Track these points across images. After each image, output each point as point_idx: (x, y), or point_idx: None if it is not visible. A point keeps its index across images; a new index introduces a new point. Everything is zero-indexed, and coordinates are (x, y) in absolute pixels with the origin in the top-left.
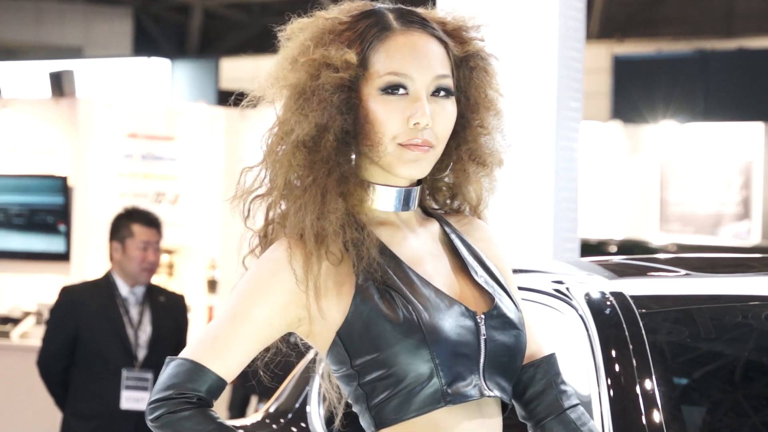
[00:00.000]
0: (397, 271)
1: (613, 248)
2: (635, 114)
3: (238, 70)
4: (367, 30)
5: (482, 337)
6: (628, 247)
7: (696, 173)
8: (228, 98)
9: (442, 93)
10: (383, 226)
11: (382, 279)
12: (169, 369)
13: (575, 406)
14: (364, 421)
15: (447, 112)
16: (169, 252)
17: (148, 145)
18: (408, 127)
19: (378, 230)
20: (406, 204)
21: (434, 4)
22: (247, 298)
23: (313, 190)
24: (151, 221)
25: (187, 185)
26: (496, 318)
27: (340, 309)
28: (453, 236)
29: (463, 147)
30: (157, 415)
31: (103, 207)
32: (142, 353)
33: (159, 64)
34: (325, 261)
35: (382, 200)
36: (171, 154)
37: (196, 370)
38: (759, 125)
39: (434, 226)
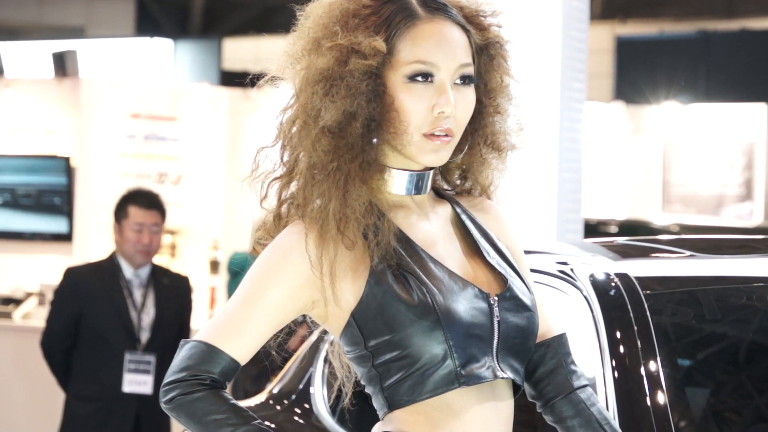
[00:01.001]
0: (411, 254)
1: (614, 228)
2: (638, 95)
3: (241, 51)
4: (392, 16)
5: (495, 319)
6: (630, 227)
7: (698, 154)
8: (231, 78)
9: (465, 81)
10: (397, 209)
11: (396, 262)
12: (183, 351)
13: (584, 386)
14: (377, 402)
15: (468, 99)
16: (172, 233)
17: (151, 125)
18: (432, 116)
19: (392, 213)
20: (419, 187)
21: None
22: (260, 280)
23: (336, 175)
24: (149, 203)
25: (189, 166)
26: (509, 300)
27: (355, 291)
28: (465, 218)
29: (479, 132)
30: (171, 397)
31: (105, 187)
32: (144, 336)
33: (161, 44)
34: (340, 244)
35: (396, 184)
36: (173, 135)
37: (209, 352)
38: (761, 106)
39: (446, 208)
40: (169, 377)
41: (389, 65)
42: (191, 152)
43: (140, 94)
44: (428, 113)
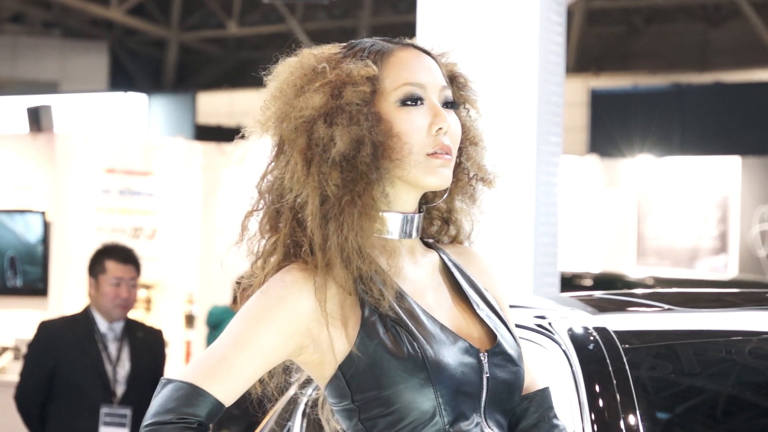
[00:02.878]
0: (401, 304)
1: (589, 281)
2: (612, 148)
3: (215, 105)
4: (366, 51)
5: (485, 376)
6: (604, 280)
7: (673, 207)
8: (205, 132)
9: (448, 105)
10: (386, 255)
11: (387, 313)
12: (168, 391)
13: None
14: None
15: (455, 121)
16: (147, 287)
17: (126, 180)
18: (431, 135)
19: (381, 259)
20: (409, 231)
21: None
22: (253, 324)
23: (350, 209)
24: (126, 258)
25: (164, 220)
26: (498, 355)
27: (346, 342)
28: (452, 267)
29: (462, 165)
30: None
31: (80, 242)
32: (120, 389)
33: (135, 98)
34: (335, 290)
35: (390, 227)
36: (148, 189)
37: (195, 394)
38: (735, 159)
39: (434, 257)
40: (153, 417)
41: (378, 95)
42: (166, 206)
43: (115, 148)
44: (428, 134)
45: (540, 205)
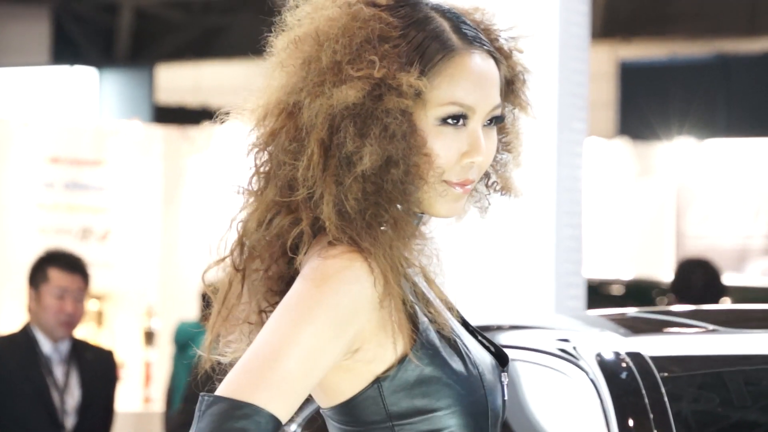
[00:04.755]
0: (432, 311)
1: (620, 290)
2: (645, 129)
3: (177, 80)
4: (426, 44)
5: (504, 399)
6: (638, 288)
7: (718, 199)
8: (166, 114)
9: (492, 122)
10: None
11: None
12: (214, 412)
13: None
14: None
15: (493, 142)
16: (98, 298)
17: (73, 171)
18: (460, 164)
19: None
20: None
21: None
22: (324, 327)
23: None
24: (71, 264)
25: (118, 219)
26: (508, 377)
27: (396, 350)
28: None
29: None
30: None
31: (20, 245)
32: (70, 421)
33: (83, 73)
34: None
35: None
36: (99, 182)
37: (251, 412)
38: None
39: None
40: None
41: (419, 102)
42: (120, 203)
43: (60, 134)
44: (456, 162)
45: (562, 203)
